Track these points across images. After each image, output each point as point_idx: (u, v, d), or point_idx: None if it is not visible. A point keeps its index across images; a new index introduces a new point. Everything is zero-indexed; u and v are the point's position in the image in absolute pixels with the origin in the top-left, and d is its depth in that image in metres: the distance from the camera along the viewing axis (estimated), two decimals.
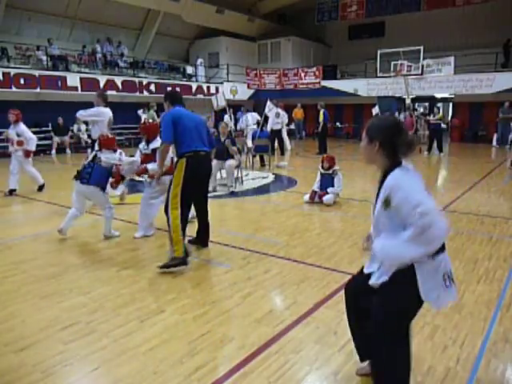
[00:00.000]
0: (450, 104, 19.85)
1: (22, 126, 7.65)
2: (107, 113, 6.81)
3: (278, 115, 13.47)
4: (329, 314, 3.11)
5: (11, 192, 7.65)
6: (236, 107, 17.27)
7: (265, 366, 2.48)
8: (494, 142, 16.26)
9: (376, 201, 2.11)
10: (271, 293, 3.52)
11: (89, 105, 6.96)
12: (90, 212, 6.29)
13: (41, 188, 7.97)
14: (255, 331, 2.86)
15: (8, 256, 4.40)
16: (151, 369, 2.45)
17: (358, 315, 2.25)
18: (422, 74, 17.30)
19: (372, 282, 2.03)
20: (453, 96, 17.84)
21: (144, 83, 17.28)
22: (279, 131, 13.71)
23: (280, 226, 5.41)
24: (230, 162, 7.72)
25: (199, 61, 20.52)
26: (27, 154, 7.59)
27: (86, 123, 15.43)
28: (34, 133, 15.38)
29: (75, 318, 3.03)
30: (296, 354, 2.60)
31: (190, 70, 20.71)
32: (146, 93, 17.31)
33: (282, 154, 13.67)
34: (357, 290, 2.28)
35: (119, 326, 2.93)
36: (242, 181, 8.56)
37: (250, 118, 14.51)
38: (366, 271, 2.15)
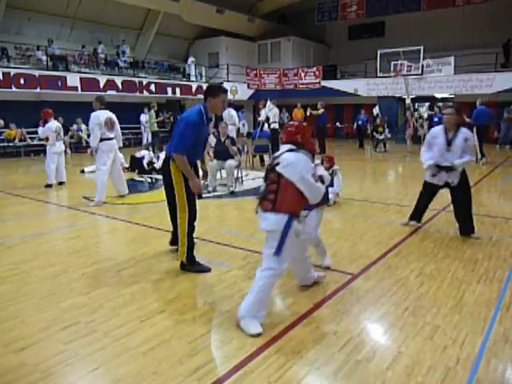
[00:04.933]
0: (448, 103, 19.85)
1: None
2: (97, 116, 6.68)
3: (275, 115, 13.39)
4: (329, 313, 3.11)
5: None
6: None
7: (265, 365, 2.47)
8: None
9: (448, 142, 4.77)
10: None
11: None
12: (91, 212, 6.30)
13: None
14: None
15: (8, 256, 4.40)
16: (151, 369, 2.45)
17: None
18: (422, 73, 17.30)
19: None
20: (453, 96, 17.84)
21: (144, 83, 17.30)
22: (277, 130, 13.68)
23: None
24: (230, 162, 7.71)
25: (190, 60, 20.46)
26: None
27: (86, 123, 15.49)
28: (34, 133, 15.48)
29: (75, 318, 3.03)
30: (296, 354, 2.60)
31: (189, 69, 20.73)
32: (146, 93, 17.32)
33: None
34: None
35: (119, 326, 2.92)
36: (242, 181, 8.56)
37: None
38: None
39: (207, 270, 3.96)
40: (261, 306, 2.88)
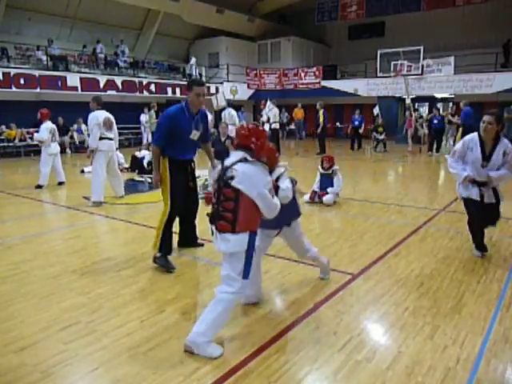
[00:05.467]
0: (450, 104, 19.85)
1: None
2: (96, 116, 6.67)
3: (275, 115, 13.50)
4: (329, 313, 3.11)
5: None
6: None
7: (265, 365, 2.47)
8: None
9: (485, 157, 3.98)
10: (271, 293, 3.51)
11: (89, 105, 6.92)
12: (90, 212, 6.30)
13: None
14: (255, 331, 2.86)
15: (8, 256, 4.40)
16: (151, 369, 2.45)
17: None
18: (422, 73, 17.30)
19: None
20: (453, 96, 17.85)
21: (144, 83, 17.30)
22: (277, 131, 13.75)
23: None
24: None
25: (193, 60, 20.49)
26: None
27: (86, 123, 15.48)
28: (34, 133, 15.46)
29: (75, 318, 3.03)
30: (296, 354, 2.60)
31: (189, 69, 20.72)
32: (146, 93, 17.32)
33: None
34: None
35: (119, 326, 2.93)
36: None
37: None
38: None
39: (170, 268, 3.92)
40: (217, 329, 2.63)
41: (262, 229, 3.12)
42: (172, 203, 3.94)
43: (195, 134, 4.00)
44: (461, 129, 12.23)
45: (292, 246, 3.51)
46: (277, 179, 3.01)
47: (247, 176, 2.50)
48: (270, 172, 2.93)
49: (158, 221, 4.03)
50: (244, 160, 2.56)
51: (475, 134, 4.08)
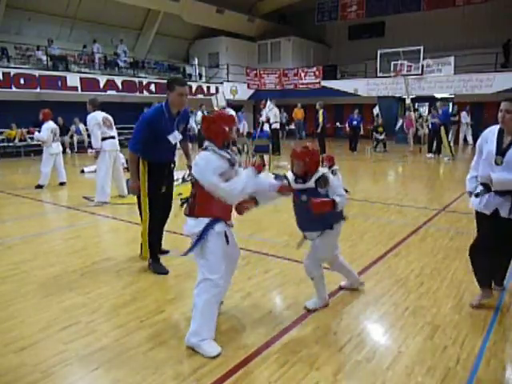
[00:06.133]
0: (450, 104, 19.85)
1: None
2: (95, 117, 6.66)
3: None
4: (329, 313, 3.11)
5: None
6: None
7: (265, 365, 2.47)
8: None
9: (500, 150, 3.02)
10: (271, 293, 3.52)
11: None
12: (91, 212, 6.30)
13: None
14: (255, 331, 2.86)
15: (8, 256, 4.40)
16: (151, 369, 2.45)
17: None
18: (422, 73, 17.31)
19: None
20: (453, 96, 17.86)
21: (144, 83, 17.30)
22: (277, 130, 13.78)
23: (280, 226, 5.41)
24: None
25: (196, 61, 20.55)
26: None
27: (84, 123, 15.46)
28: (34, 133, 15.39)
29: (75, 318, 3.03)
30: (296, 354, 2.60)
31: (190, 70, 20.76)
32: (146, 93, 17.32)
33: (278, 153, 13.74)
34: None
35: (119, 326, 2.93)
36: None
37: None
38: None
39: (163, 273, 3.89)
40: (209, 325, 2.63)
41: (303, 231, 3.19)
42: (151, 210, 3.80)
43: (175, 138, 3.80)
44: (443, 128, 12.92)
45: (313, 254, 3.18)
46: (317, 180, 3.04)
47: (197, 163, 2.62)
48: (307, 176, 3.00)
49: (142, 228, 3.93)
50: (204, 149, 2.66)
51: (498, 125, 3.20)
